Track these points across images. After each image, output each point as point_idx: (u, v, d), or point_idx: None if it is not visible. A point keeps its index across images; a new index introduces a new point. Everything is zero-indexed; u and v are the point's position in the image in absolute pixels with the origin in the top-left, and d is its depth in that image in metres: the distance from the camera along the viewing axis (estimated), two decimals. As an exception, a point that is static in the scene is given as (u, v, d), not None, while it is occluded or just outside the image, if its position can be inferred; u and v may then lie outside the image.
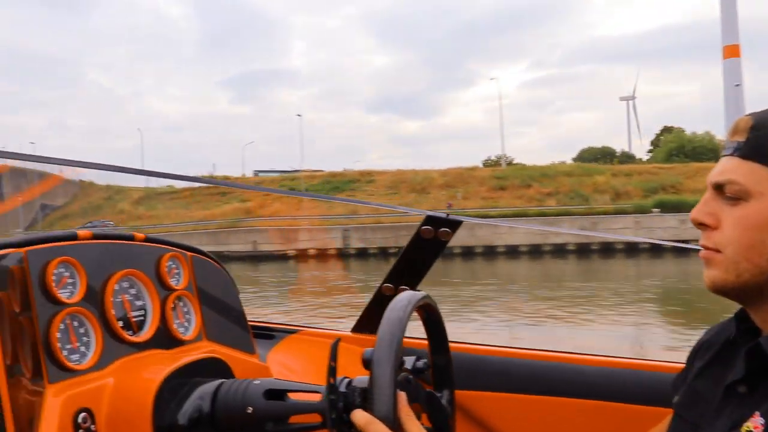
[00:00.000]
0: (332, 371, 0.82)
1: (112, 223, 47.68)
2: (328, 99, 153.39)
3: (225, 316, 1.30)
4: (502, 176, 41.65)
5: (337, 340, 0.84)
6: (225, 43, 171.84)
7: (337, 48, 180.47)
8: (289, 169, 54.66)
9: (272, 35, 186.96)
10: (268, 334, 1.59)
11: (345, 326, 1.65)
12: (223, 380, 0.98)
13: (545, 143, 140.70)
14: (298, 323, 1.68)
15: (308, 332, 1.61)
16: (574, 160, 60.44)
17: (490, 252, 28.86)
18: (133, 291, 1.10)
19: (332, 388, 0.83)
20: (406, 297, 0.86)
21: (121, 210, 50.37)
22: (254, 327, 1.44)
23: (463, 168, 44.31)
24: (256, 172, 52.08)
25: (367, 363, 0.80)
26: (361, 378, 0.84)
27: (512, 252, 28.83)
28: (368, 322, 1.56)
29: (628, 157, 62.19)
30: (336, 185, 44.90)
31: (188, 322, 1.18)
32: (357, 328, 1.59)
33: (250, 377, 0.99)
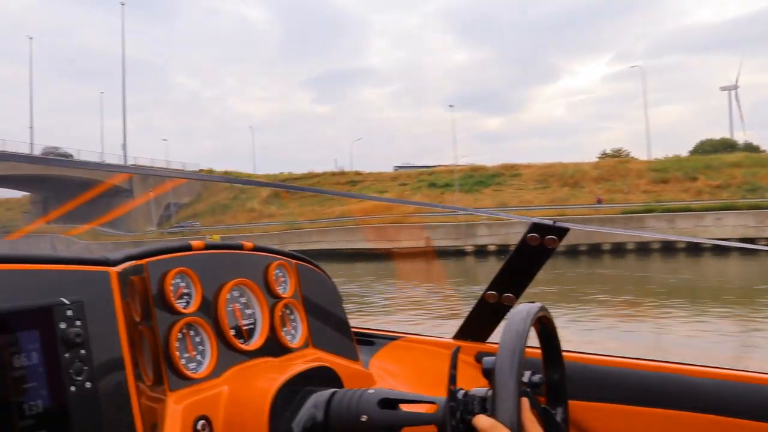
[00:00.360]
0: (452, 379, 0.84)
1: (198, 223, 48.97)
2: (406, 97, 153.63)
3: (329, 323, 1.31)
4: (661, 168, 39.42)
5: (457, 349, 0.86)
6: (306, 44, 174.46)
7: (416, 45, 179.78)
8: (429, 165, 53.46)
9: (352, 34, 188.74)
10: (368, 340, 1.56)
11: (443, 331, 1.63)
12: (335, 389, 0.99)
13: (631, 137, 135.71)
14: (398, 329, 1.64)
15: (410, 339, 1.59)
16: (691, 152, 57.27)
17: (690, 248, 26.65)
18: (243, 300, 1.13)
19: (452, 395, 0.84)
20: (524, 309, 0.88)
21: (251, 208, 50.47)
22: (356, 333, 1.43)
23: (616, 160, 42.32)
24: (396, 168, 51.18)
25: (488, 373, 0.82)
26: (479, 389, 0.85)
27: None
28: (471, 330, 1.52)
29: (752, 149, 58.61)
30: (479, 180, 43.55)
31: (295, 330, 1.21)
32: (459, 336, 1.55)
33: (355, 385, 1.02)
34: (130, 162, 53.37)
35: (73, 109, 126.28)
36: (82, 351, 0.82)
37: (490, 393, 0.80)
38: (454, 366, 0.84)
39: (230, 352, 1.04)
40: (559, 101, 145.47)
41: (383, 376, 1.37)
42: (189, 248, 1.07)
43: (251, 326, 1.12)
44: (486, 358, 0.84)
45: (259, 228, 39.07)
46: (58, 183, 48.96)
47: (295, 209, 48.45)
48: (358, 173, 52.51)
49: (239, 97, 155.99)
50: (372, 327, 1.63)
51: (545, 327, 0.98)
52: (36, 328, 0.78)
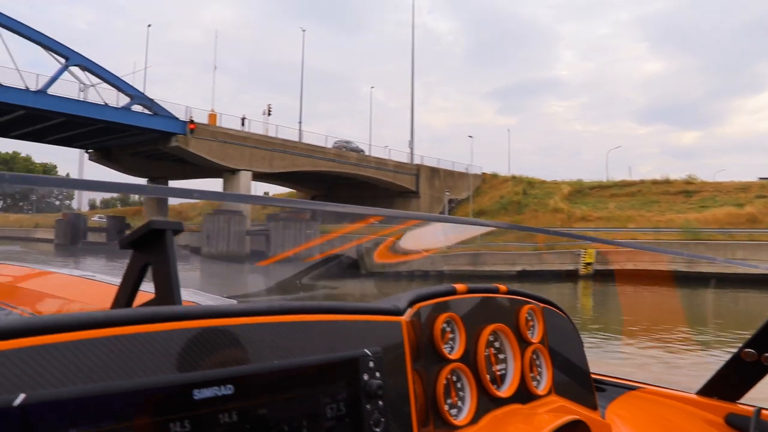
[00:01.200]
0: None
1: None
2: (594, 109, 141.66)
3: (571, 369, 1.28)
4: None
5: (758, 410, 0.86)
6: (491, 56, 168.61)
7: (606, 55, 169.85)
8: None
9: (538, 45, 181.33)
10: (601, 386, 1.50)
11: (685, 385, 1.52)
12: None
13: None
14: (635, 378, 1.57)
15: (648, 390, 1.49)
16: None
17: None
18: (497, 344, 1.13)
19: None
20: None
21: (556, 208, 43.77)
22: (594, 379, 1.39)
23: None
24: (762, 179, 40.91)
25: None
26: None
27: None
28: (721, 387, 1.42)
29: None
30: None
31: (540, 376, 1.19)
32: (706, 392, 1.45)
33: None
34: (416, 159, 49.56)
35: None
36: (380, 402, 0.83)
37: None
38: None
39: (486, 399, 1.04)
40: (766, 113, 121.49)
41: (622, 429, 1.30)
42: (454, 292, 1.07)
43: (503, 372, 1.11)
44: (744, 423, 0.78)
45: (646, 235, 31.44)
46: (335, 181, 46.66)
47: (615, 212, 40.55)
48: (689, 181, 43.03)
49: (423, 108, 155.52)
50: (604, 372, 1.55)
51: None
52: (344, 379, 0.81)
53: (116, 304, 0.83)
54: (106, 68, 33.15)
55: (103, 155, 40.93)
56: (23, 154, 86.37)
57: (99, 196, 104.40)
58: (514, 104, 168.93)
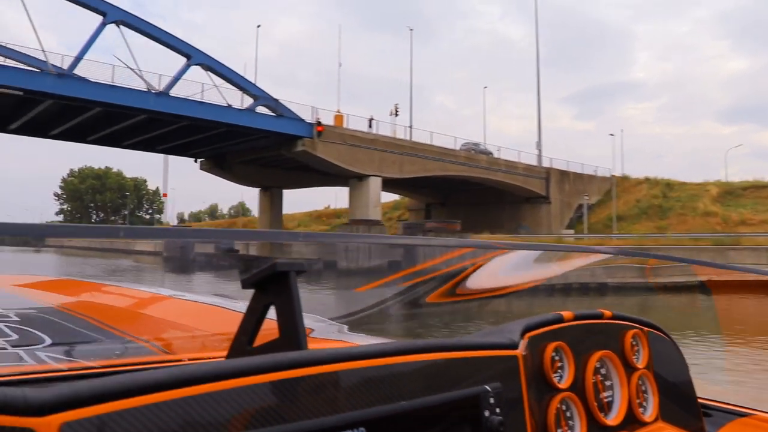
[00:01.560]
0: None
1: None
2: (674, 111, 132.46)
3: (677, 394, 1.26)
4: None
5: None
6: (565, 60, 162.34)
7: (685, 55, 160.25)
8: None
9: (614, 47, 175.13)
10: (706, 411, 1.41)
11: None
12: None
13: None
14: (745, 404, 1.44)
15: (761, 418, 1.37)
16: None
17: None
18: (603, 371, 1.12)
19: None
20: None
21: (707, 212, 38.01)
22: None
23: None
24: None
25: None
26: None
27: None
28: None
29: None
30: None
31: (647, 402, 1.18)
32: None
33: None
34: (545, 161, 44.67)
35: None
36: None
37: None
38: None
39: (595, 427, 1.04)
40: None
41: None
42: (561, 320, 1.07)
43: (610, 399, 1.10)
44: None
45: None
46: (454, 187, 42.24)
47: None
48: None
49: (495, 115, 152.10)
50: (710, 396, 1.44)
51: None
52: (467, 416, 0.81)
53: (237, 340, 0.85)
54: (229, 67, 29.91)
55: (216, 163, 37.91)
56: (115, 169, 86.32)
57: (187, 209, 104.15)
58: (591, 108, 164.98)
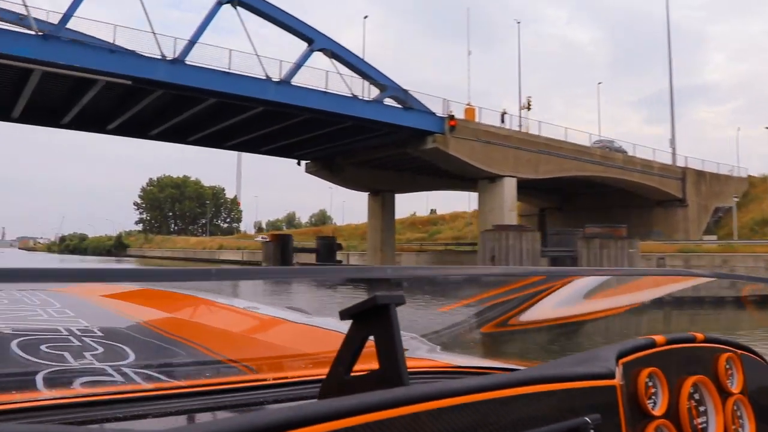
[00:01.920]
0: None
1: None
2: (751, 113, 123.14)
3: None
4: None
5: None
6: (636, 63, 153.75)
7: (762, 54, 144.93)
8: None
9: (685, 50, 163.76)
10: None
11: None
12: None
13: None
14: None
15: None
16: None
17: None
18: (696, 396, 1.10)
19: None
20: None
21: None
22: None
23: None
24: None
25: None
26: None
27: None
28: None
29: None
30: None
31: (743, 428, 1.15)
32: None
33: None
34: (679, 162, 39.88)
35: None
36: None
37: None
38: None
39: None
40: None
41: None
42: (654, 345, 1.05)
43: (704, 425, 1.07)
44: None
45: None
46: (576, 189, 38.00)
47: None
48: None
49: (564, 121, 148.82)
50: None
51: None
52: None
53: (334, 368, 0.86)
54: (355, 53, 26.74)
55: (324, 165, 34.82)
56: (193, 178, 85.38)
57: (264, 218, 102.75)
58: (661, 112, 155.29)
